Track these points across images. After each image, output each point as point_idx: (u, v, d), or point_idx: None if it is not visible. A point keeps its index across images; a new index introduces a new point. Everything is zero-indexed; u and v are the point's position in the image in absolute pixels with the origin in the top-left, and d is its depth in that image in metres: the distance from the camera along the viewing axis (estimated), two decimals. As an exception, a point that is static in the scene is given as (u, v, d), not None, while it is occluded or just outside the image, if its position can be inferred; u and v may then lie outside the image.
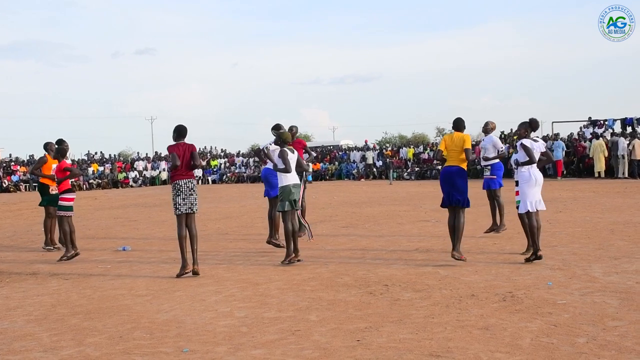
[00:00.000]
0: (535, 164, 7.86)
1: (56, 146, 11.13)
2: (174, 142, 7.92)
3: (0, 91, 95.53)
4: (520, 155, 7.87)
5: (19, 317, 6.13)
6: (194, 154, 7.91)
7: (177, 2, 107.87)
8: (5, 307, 6.58)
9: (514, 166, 8.12)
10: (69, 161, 11.88)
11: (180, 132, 7.93)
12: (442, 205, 8.04)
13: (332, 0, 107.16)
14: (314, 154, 13.72)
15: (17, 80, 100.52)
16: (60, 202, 9.71)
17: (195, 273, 7.70)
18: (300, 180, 10.80)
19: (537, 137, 8.30)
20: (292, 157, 8.50)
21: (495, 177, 10.13)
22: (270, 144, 9.38)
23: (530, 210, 7.74)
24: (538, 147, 7.92)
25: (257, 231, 12.05)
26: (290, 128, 11.01)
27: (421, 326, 5.15)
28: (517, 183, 8.05)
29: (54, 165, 10.93)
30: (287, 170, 8.36)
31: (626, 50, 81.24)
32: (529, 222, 7.78)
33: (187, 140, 7.98)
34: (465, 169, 7.92)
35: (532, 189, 7.77)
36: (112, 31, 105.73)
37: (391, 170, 31.98)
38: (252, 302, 6.29)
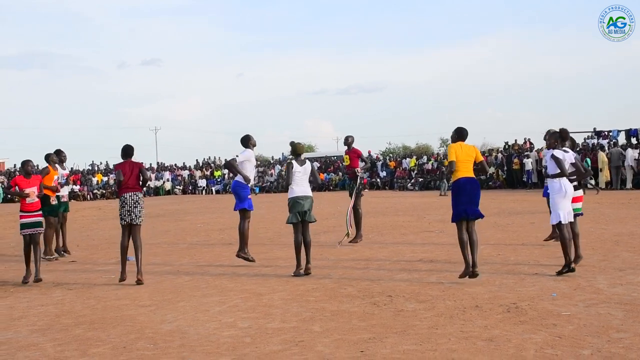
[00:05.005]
0: (566, 176, 7.60)
1: (55, 156, 11.28)
2: (122, 161, 8.47)
3: (5, 101, 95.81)
4: (551, 167, 7.67)
5: (23, 327, 6.14)
6: (143, 170, 8.50)
7: (183, 12, 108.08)
8: (9, 317, 6.59)
9: (543, 173, 7.92)
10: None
11: (126, 151, 8.53)
12: (456, 220, 7.41)
13: (337, 11, 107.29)
14: (369, 164, 14.26)
15: (22, 90, 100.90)
16: (23, 220, 8.87)
17: (139, 282, 8.03)
18: (355, 189, 11.11)
19: (567, 148, 8.00)
20: (301, 169, 8.50)
21: None
22: (236, 157, 9.41)
23: (562, 222, 7.53)
24: (569, 158, 7.76)
25: (261, 242, 12.06)
26: (347, 138, 11.72)
27: (425, 337, 5.14)
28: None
29: (56, 177, 11.02)
30: (286, 183, 8.52)
31: (629, 61, 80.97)
32: (560, 234, 7.56)
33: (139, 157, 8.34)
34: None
35: (563, 201, 7.57)
36: (118, 42, 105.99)
37: (445, 180, 29.20)
38: (255, 312, 6.29)
